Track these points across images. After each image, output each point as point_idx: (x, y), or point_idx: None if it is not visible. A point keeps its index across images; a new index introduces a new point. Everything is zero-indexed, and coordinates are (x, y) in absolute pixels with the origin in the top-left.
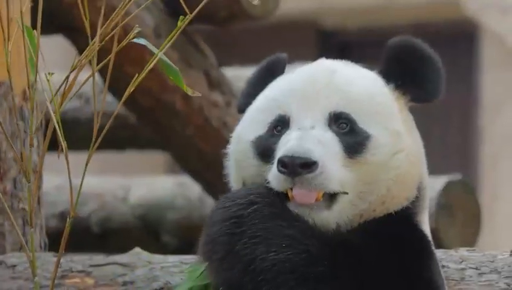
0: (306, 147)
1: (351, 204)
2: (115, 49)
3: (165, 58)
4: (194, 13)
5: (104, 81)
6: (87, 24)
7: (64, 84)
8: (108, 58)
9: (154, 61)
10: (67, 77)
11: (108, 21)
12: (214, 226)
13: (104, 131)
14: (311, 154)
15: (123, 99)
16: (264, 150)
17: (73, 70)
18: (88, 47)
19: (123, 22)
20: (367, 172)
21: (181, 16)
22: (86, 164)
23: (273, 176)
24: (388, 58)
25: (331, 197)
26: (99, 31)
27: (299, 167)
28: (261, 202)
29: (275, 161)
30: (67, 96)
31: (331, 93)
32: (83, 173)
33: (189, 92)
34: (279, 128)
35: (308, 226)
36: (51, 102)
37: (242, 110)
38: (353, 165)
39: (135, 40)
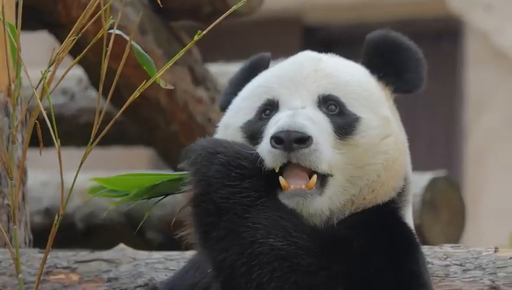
0: (300, 122)
1: (342, 189)
2: (109, 38)
3: (137, 46)
4: (205, 31)
5: (89, 77)
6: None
7: (44, 80)
8: (85, 51)
9: (158, 75)
10: (46, 72)
11: (83, 13)
12: (223, 202)
13: (95, 129)
14: (305, 129)
15: (123, 108)
16: (253, 132)
17: (51, 64)
18: (64, 42)
19: (97, 14)
20: (356, 155)
21: (199, 30)
22: (81, 163)
23: (266, 153)
24: (368, 52)
25: (322, 182)
26: (75, 25)
27: (295, 141)
28: (267, 197)
29: (266, 139)
30: (46, 92)
31: (319, 78)
32: (77, 171)
33: (162, 84)
34: (267, 112)
35: (300, 220)
36: (41, 99)
37: (224, 108)
38: (343, 147)
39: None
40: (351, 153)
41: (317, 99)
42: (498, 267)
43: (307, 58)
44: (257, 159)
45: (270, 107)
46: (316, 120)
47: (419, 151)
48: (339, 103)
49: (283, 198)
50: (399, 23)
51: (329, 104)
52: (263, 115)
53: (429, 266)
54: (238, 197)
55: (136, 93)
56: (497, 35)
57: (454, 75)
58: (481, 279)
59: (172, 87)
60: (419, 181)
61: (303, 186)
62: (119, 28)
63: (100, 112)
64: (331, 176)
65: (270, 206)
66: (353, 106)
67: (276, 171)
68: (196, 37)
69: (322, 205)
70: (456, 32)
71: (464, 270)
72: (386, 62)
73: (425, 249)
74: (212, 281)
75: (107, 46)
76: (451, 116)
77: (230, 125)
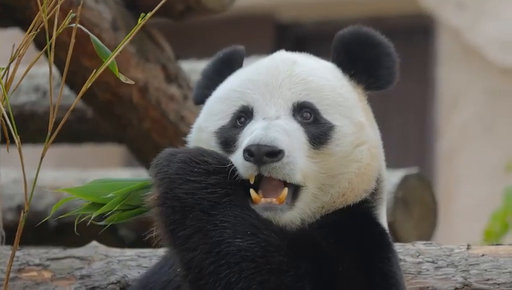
0: (272, 136)
1: (313, 197)
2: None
3: (96, 39)
4: (153, 11)
5: (61, 74)
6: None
7: (5, 76)
8: (45, 48)
9: (113, 57)
10: (7, 69)
11: (41, 7)
12: (188, 198)
13: (60, 125)
14: (277, 143)
15: (80, 94)
16: (227, 140)
17: (12, 61)
18: (23, 39)
19: (56, 6)
20: (330, 163)
21: (142, 14)
22: (41, 158)
23: (239, 164)
24: (339, 49)
25: (294, 193)
26: (34, 20)
27: (265, 155)
28: (234, 194)
29: (240, 149)
30: (9, 89)
31: (294, 85)
32: (38, 168)
33: (122, 78)
34: (242, 119)
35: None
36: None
37: (198, 101)
38: (317, 156)
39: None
40: (325, 161)
41: (291, 107)
42: (470, 265)
43: (282, 61)
44: (225, 159)
45: (244, 115)
46: (289, 131)
47: (391, 149)
48: (313, 110)
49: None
50: (371, 20)
51: (304, 111)
52: (238, 122)
53: (401, 263)
54: (203, 192)
55: (91, 80)
56: (469, 33)
57: (426, 73)
58: (453, 276)
59: (132, 82)
60: (392, 178)
61: (274, 200)
62: (91, 24)
63: (68, 109)
64: (305, 187)
65: (238, 204)
66: (327, 113)
67: (251, 182)
68: (140, 21)
69: (292, 217)
70: (428, 29)
71: (436, 267)
72: (356, 59)
73: (397, 246)
74: (181, 281)
75: (82, 45)
76: (423, 113)
77: (204, 129)
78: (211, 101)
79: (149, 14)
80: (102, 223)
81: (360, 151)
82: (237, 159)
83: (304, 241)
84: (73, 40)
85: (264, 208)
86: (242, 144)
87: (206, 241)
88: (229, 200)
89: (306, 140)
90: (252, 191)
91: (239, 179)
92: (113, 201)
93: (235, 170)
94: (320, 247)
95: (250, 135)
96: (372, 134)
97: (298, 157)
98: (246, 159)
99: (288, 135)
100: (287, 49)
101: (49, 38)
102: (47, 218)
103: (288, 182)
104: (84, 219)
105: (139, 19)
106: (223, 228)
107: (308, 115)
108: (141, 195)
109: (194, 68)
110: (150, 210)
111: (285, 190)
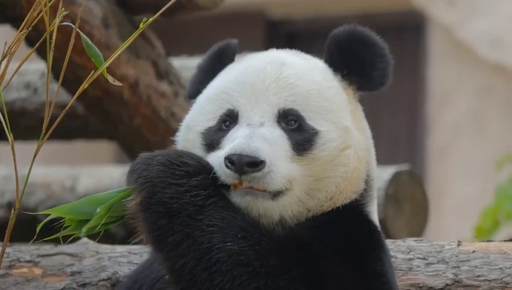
0: (254, 146)
1: (298, 200)
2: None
3: (86, 38)
4: (155, 16)
5: (53, 71)
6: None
7: None
8: (37, 45)
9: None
10: None
11: (34, 5)
12: (173, 202)
13: (55, 123)
14: (258, 153)
15: (75, 95)
16: (211, 142)
17: (3, 58)
18: (15, 36)
19: (48, 5)
20: (316, 167)
21: (144, 18)
22: (34, 156)
23: (220, 168)
24: (333, 48)
25: (277, 193)
26: (27, 18)
27: (246, 165)
28: (217, 195)
29: (221, 154)
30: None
31: (280, 89)
32: (30, 165)
33: (110, 79)
34: (227, 123)
35: (257, 221)
36: None
37: (192, 96)
38: (302, 161)
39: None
40: (311, 165)
41: (277, 113)
42: (461, 261)
43: (270, 62)
44: (203, 160)
45: (230, 119)
46: (272, 140)
47: (382, 146)
48: (299, 117)
49: (234, 196)
50: (362, 17)
51: (289, 119)
52: (223, 125)
53: (392, 259)
54: (187, 196)
55: (85, 84)
56: (460, 30)
57: (417, 70)
58: (444, 273)
59: (120, 84)
60: (383, 175)
61: (255, 186)
62: (82, 21)
63: (59, 106)
64: (291, 189)
65: (222, 205)
66: (313, 119)
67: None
68: (142, 26)
69: (272, 209)
70: (419, 26)
71: (427, 264)
72: (350, 59)
73: (388, 243)
74: (168, 286)
75: (66, 39)
76: (414, 110)
77: (192, 128)
78: (201, 100)
79: (150, 19)
80: (87, 234)
81: (347, 155)
82: (216, 160)
83: (295, 243)
84: (73, 41)
85: (244, 192)
86: (224, 149)
87: (195, 247)
88: (213, 202)
89: (289, 147)
90: None
91: (219, 182)
92: (97, 216)
93: (215, 172)
94: (311, 248)
95: (232, 142)
96: (359, 137)
97: (280, 165)
98: (226, 166)
99: (271, 144)
100: (278, 46)
101: (41, 36)
102: (32, 240)
103: (269, 191)
104: (70, 239)
105: (141, 24)
106: (211, 233)
107: (293, 122)
108: (124, 205)
109: (185, 65)
110: (133, 216)
111: None
